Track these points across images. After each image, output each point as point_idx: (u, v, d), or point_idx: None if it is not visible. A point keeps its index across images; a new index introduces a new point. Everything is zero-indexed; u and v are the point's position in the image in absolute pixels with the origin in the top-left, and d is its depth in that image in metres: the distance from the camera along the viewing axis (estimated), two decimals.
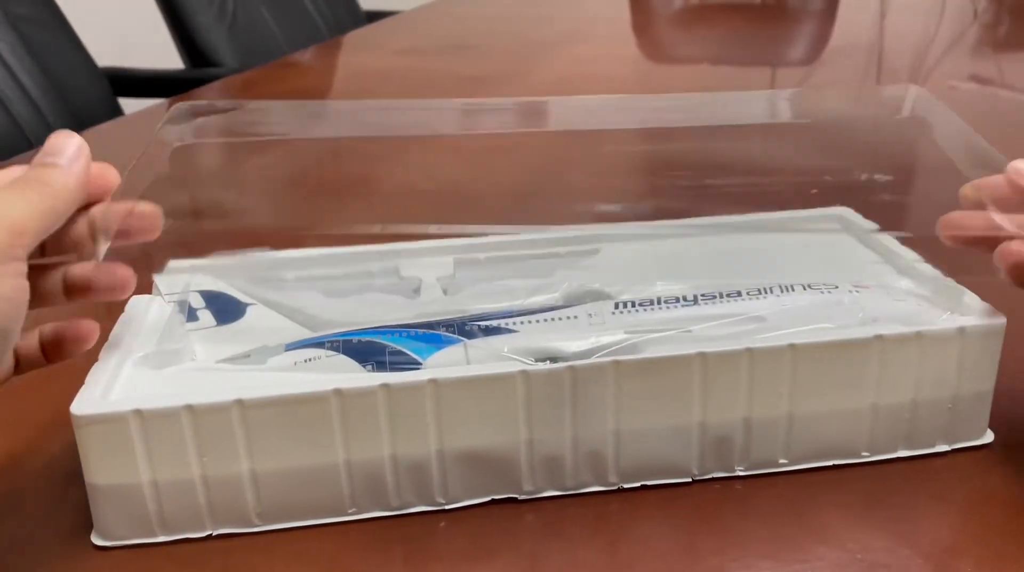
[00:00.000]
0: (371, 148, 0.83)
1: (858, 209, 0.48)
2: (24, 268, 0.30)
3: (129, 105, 1.19)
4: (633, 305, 0.37)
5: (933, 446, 0.38)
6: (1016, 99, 0.99)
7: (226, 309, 0.40)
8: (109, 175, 0.34)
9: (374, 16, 1.70)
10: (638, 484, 0.36)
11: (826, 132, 0.46)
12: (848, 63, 1.15)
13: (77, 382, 0.34)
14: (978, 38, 1.33)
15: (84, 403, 0.32)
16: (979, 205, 0.36)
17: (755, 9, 1.61)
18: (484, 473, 0.35)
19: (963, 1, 1.58)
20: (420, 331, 0.36)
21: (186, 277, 0.42)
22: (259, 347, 0.37)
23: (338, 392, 0.32)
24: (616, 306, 0.37)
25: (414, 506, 0.35)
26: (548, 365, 0.33)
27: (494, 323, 0.36)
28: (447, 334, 0.36)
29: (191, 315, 0.39)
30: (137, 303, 0.39)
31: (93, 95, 1.12)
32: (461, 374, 0.33)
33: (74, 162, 0.32)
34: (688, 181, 0.53)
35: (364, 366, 0.35)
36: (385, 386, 0.33)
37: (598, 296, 0.39)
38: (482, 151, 0.81)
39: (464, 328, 0.36)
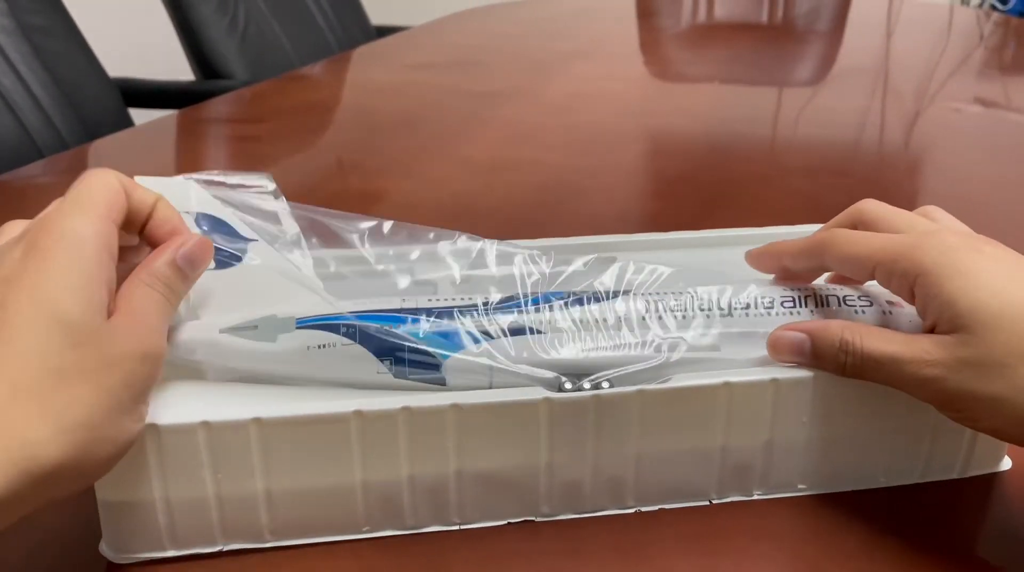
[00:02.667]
0: (378, 162, 0.83)
1: None
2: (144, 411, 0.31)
3: (140, 115, 1.19)
4: (665, 308, 0.35)
5: (950, 472, 0.37)
6: (1021, 122, 0.99)
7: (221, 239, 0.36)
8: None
9: (384, 31, 1.71)
10: (656, 508, 0.36)
11: None
12: (854, 84, 1.15)
13: None
14: (984, 61, 1.34)
15: None
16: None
17: (762, 29, 1.62)
18: (502, 495, 0.34)
19: (969, 23, 1.59)
20: (443, 325, 0.34)
21: (178, 190, 0.36)
22: (267, 316, 0.34)
23: (359, 413, 0.32)
24: (646, 308, 0.35)
25: (429, 525, 0.35)
26: (572, 393, 0.33)
27: (520, 321, 0.35)
28: (471, 333, 0.34)
29: None
30: None
31: (104, 105, 1.12)
32: (484, 400, 0.33)
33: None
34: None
35: (382, 361, 0.34)
36: (407, 409, 0.32)
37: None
38: (491, 166, 0.81)
39: (489, 328, 0.34)
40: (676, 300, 0.36)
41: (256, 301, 0.35)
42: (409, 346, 0.33)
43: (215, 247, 0.35)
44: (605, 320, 0.35)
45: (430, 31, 1.55)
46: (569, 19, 1.62)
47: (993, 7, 2.37)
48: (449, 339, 0.34)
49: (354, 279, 0.40)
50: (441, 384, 0.34)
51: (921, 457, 0.37)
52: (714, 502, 0.36)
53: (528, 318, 0.35)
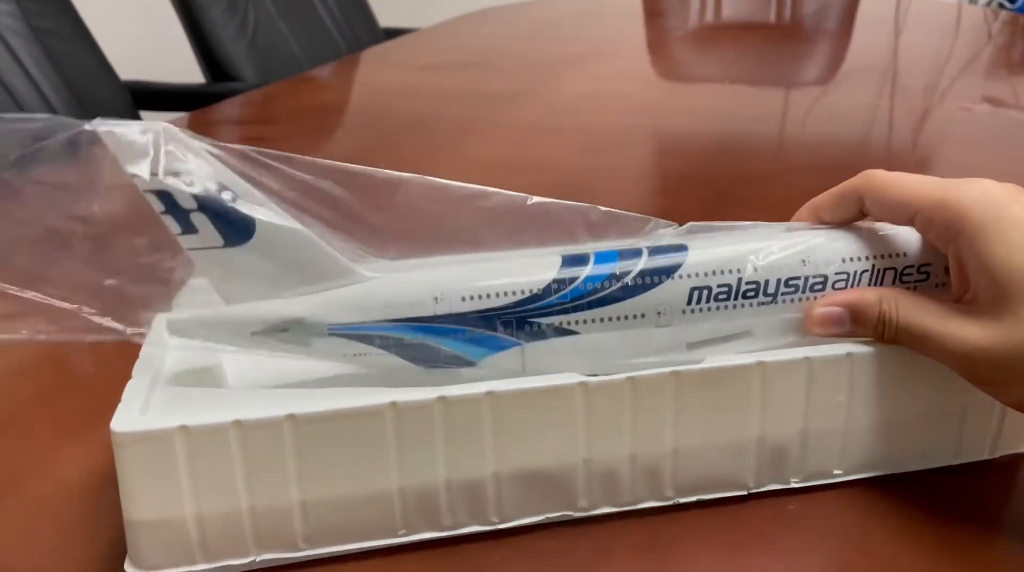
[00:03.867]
0: (388, 163, 0.83)
1: None
2: None
3: (150, 118, 1.19)
4: (708, 297, 0.35)
5: (981, 453, 0.37)
6: None
7: (226, 217, 0.32)
8: None
9: (392, 33, 1.71)
10: (694, 498, 0.35)
11: None
12: (862, 83, 1.15)
13: (107, 393, 0.32)
14: (992, 59, 1.33)
15: (124, 420, 0.31)
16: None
17: (769, 28, 1.62)
18: (540, 490, 0.34)
19: (978, 22, 1.59)
20: (476, 333, 0.34)
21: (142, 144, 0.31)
22: (295, 319, 0.33)
23: (394, 405, 0.32)
24: (690, 298, 0.35)
25: (466, 526, 0.34)
26: (607, 376, 0.33)
27: (555, 321, 0.35)
28: (505, 337, 0.34)
29: (183, 221, 0.31)
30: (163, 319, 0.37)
31: (114, 107, 1.12)
32: (518, 386, 0.32)
33: None
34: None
35: (417, 365, 0.34)
36: (443, 399, 0.32)
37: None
38: (502, 167, 0.81)
39: (522, 327, 0.34)
40: (721, 284, 0.35)
41: (277, 278, 0.33)
42: (444, 353, 0.34)
43: (222, 218, 0.31)
44: (643, 315, 0.35)
45: (438, 33, 1.55)
46: (577, 20, 1.62)
47: (1001, 5, 2.37)
48: (484, 344, 0.34)
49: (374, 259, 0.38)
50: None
51: (952, 439, 0.37)
52: (751, 491, 0.36)
53: (564, 318, 0.35)
